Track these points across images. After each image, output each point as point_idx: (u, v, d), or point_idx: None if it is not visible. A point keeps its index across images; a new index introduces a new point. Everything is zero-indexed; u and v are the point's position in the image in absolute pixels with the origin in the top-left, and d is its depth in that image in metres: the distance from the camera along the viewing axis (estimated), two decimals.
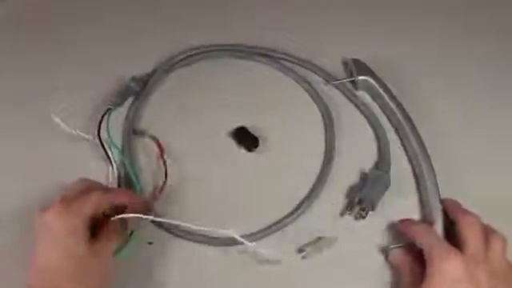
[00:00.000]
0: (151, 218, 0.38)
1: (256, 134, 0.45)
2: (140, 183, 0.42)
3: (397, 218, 0.41)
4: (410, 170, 0.45)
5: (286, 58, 0.51)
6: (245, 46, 0.51)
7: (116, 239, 0.36)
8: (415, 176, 0.44)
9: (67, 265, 0.33)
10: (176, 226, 0.40)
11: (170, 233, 0.41)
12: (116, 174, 0.41)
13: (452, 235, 0.38)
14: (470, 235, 0.36)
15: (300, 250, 0.40)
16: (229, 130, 0.46)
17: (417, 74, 0.50)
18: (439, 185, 0.42)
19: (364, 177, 0.44)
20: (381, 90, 0.47)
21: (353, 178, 0.44)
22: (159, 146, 0.43)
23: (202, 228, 0.38)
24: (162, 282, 0.39)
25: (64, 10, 0.55)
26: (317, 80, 0.50)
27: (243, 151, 0.45)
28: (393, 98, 0.47)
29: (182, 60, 0.50)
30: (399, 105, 0.46)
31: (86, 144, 0.44)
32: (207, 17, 0.55)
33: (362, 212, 0.40)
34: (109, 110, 0.44)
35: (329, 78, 0.50)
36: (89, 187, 0.37)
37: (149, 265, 0.39)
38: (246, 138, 0.45)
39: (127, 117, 0.46)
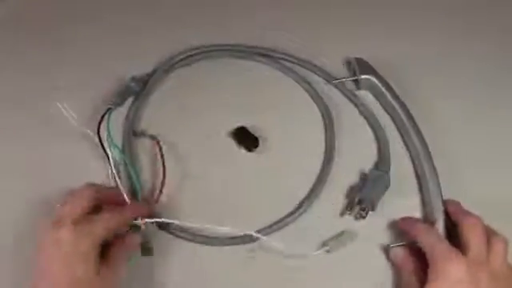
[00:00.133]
0: (161, 220, 0.38)
1: (256, 134, 0.45)
2: (140, 182, 0.42)
3: (397, 218, 0.41)
4: (410, 169, 0.45)
5: (286, 58, 0.51)
6: (245, 46, 0.51)
7: (124, 263, 0.36)
8: (417, 175, 0.44)
9: (74, 286, 0.33)
10: (180, 228, 0.40)
11: (170, 233, 0.41)
12: (116, 174, 0.41)
13: (454, 236, 0.38)
14: (472, 237, 0.36)
15: (323, 244, 0.40)
16: (229, 130, 0.46)
17: (417, 74, 0.50)
18: (441, 184, 0.41)
19: (364, 177, 0.44)
20: (383, 89, 0.47)
21: (353, 178, 0.44)
22: (159, 145, 0.43)
23: (219, 228, 0.39)
24: (163, 283, 0.39)
25: (64, 10, 0.55)
26: (317, 80, 0.50)
27: (243, 151, 0.45)
28: (395, 97, 0.47)
29: (182, 60, 0.50)
30: (402, 104, 0.46)
31: (86, 144, 0.44)
32: (207, 17, 0.55)
33: (361, 212, 0.40)
34: (109, 109, 0.43)
35: (329, 78, 0.50)
36: (96, 197, 0.36)
37: (150, 265, 0.39)
38: (246, 138, 0.45)
39: (127, 117, 0.46)
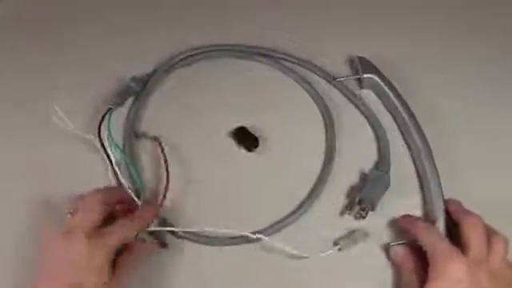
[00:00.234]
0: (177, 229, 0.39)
1: (256, 134, 0.45)
2: (142, 182, 0.42)
3: (397, 217, 0.42)
4: (411, 169, 0.45)
5: (287, 58, 0.51)
6: (245, 46, 0.51)
7: (132, 270, 0.37)
8: (418, 174, 0.44)
9: None
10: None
11: (172, 233, 0.41)
12: (119, 174, 0.41)
13: (454, 235, 0.38)
14: (473, 237, 0.36)
15: (335, 243, 0.40)
16: (229, 130, 0.46)
17: (417, 75, 0.50)
18: (442, 183, 0.42)
19: (364, 177, 0.44)
20: (386, 88, 0.47)
21: (353, 178, 0.44)
22: (161, 147, 0.43)
23: (221, 231, 0.39)
24: (163, 282, 0.39)
25: (64, 10, 0.55)
26: (317, 80, 0.50)
27: (243, 151, 0.45)
28: (398, 96, 0.47)
29: (182, 60, 0.50)
30: (404, 103, 0.46)
31: (86, 144, 0.44)
32: (207, 17, 0.55)
33: (361, 212, 0.40)
34: (110, 109, 0.43)
35: (329, 77, 0.50)
36: (106, 204, 0.36)
37: (150, 265, 0.40)
38: (246, 138, 0.45)
39: (128, 117, 0.46)
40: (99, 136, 0.42)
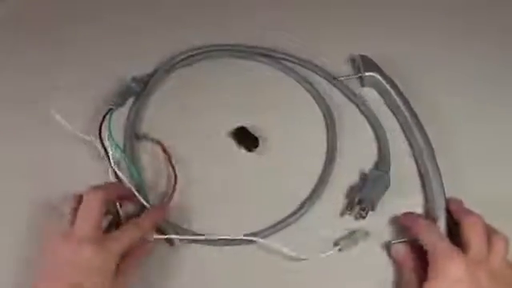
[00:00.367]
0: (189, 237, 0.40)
1: (256, 134, 0.45)
2: (143, 182, 0.42)
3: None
4: (411, 169, 0.45)
5: (287, 58, 0.51)
6: (245, 46, 0.51)
7: (135, 271, 0.37)
8: (420, 173, 0.44)
9: None
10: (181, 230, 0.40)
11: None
12: (120, 174, 0.41)
13: (455, 234, 0.38)
14: (473, 236, 0.36)
15: (335, 244, 0.40)
16: (229, 130, 0.46)
17: (417, 74, 0.50)
18: (444, 182, 0.42)
19: (364, 177, 0.44)
20: (388, 87, 0.47)
21: (354, 179, 0.44)
22: (164, 150, 0.43)
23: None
24: (164, 282, 0.39)
25: (64, 10, 0.55)
26: (318, 80, 0.50)
27: (243, 151, 0.45)
28: (400, 94, 0.47)
29: (182, 60, 0.50)
30: (406, 101, 0.46)
31: (86, 144, 0.43)
32: (207, 17, 0.55)
33: (362, 212, 0.40)
34: (110, 110, 0.43)
35: (330, 77, 0.50)
36: (107, 201, 0.36)
37: (150, 266, 0.40)
38: (246, 138, 0.45)
39: (128, 117, 0.46)
40: (100, 136, 0.42)
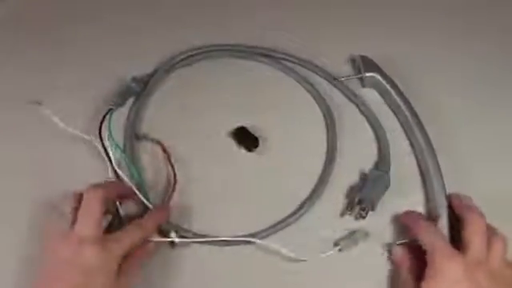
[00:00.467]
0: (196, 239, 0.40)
1: (256, 134, 0.45)
2: (143, 182, 0.42)
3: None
4: (411, 169, 0.45)
5: (287, 58, 0.51)
6: (245, 46, 0.51)
7: (138, 272, 0.37)
8: (421, 172, 0.44)
9: None
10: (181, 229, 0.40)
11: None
12: (120, 174, 0.41)
13: (457, 230, 0.38)
14: (474, 236, 0.36)
15: (335, 244, 0.40)
16: (229, 130, 0.46)
17: (417, 74, 0.50)
18: (444, 182, 0.42)
19: (364, 177, 0.44)
20: (388, 87, 0.47)
21: (354, 179, 0.44)
22: (164, 149, 0.43)
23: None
24: (164, 282, 0.39)
25: (64, 10, 0.55)
26: (318, 81, 0.50)
27: (243, 151, 0.45)
28: (400, 94, 0.47)
29: (182, 60, 0.50)
30: (406, 101, 0.46)
31: (85, 144, 0.43)
32: (207, 17, 0.55)
33: (362, 212, 0.40)
34: (110, 110, 0.43)
35: (330, 78, 0.50)
36: (107, 200, 0.36)
37: (150, 266, 0.40)
38: (246, 138, 0.45)
39: (128, 117, 0.46)
40: (100, 136, 0.42)
